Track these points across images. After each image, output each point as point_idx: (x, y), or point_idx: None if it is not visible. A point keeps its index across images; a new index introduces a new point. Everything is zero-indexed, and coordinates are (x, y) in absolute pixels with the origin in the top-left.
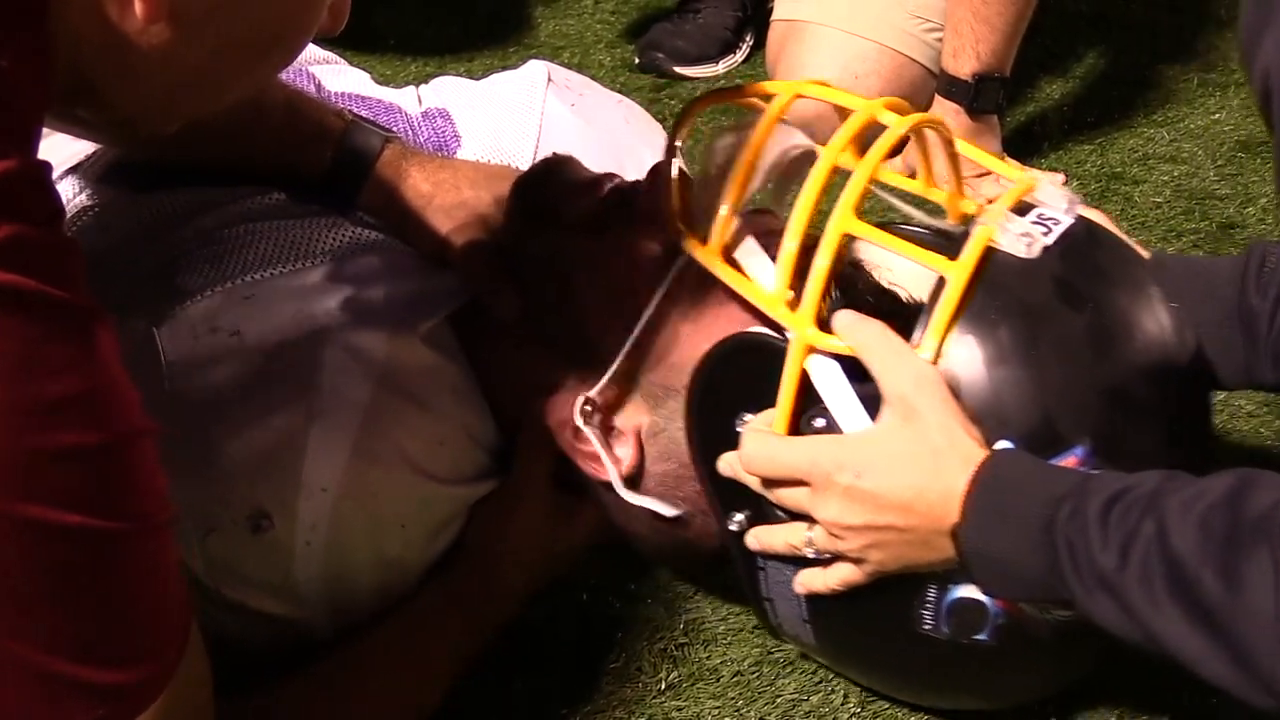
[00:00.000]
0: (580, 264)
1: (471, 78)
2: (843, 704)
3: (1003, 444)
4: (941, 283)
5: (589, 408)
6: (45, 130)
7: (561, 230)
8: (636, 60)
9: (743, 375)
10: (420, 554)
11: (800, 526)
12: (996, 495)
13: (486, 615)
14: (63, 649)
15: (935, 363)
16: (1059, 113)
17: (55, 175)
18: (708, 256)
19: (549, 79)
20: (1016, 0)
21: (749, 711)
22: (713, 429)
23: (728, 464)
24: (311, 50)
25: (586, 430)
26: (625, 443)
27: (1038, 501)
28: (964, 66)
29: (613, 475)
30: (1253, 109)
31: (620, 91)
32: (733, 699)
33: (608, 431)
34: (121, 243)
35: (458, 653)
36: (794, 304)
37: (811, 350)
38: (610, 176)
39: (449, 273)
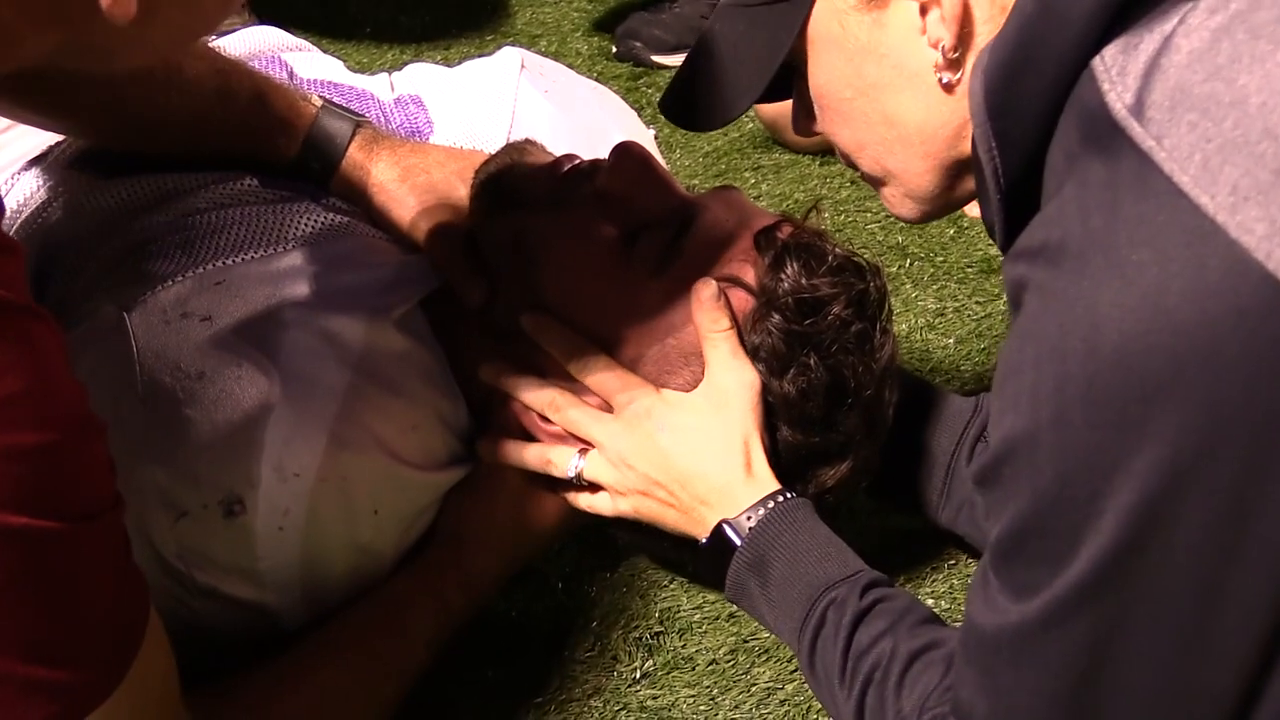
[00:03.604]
0: (540, 243)
1: (447, 66)
2: None
3: None
4: None
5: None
6: (7, 123)
7: (522, 211)
8: (614, 49)
9: None
10: (393, 541)
11: (569, 450)
12: (781, 538)
13: (459, 602)
14: (12, 649)
15: None
16: None
17: (18, 168)
18: None
19: (522, 65)
20: None
21: (724, 700)
22: None
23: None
24: (284, 38)
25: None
26: None
27: (815, 576)
28: None
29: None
30: None
31: (597, 80)
32: (708, 687)
33: None
34: (92, 229)
35: (429, 640)
36: None
37: None
38: (570, 157)
39: (421, 258)
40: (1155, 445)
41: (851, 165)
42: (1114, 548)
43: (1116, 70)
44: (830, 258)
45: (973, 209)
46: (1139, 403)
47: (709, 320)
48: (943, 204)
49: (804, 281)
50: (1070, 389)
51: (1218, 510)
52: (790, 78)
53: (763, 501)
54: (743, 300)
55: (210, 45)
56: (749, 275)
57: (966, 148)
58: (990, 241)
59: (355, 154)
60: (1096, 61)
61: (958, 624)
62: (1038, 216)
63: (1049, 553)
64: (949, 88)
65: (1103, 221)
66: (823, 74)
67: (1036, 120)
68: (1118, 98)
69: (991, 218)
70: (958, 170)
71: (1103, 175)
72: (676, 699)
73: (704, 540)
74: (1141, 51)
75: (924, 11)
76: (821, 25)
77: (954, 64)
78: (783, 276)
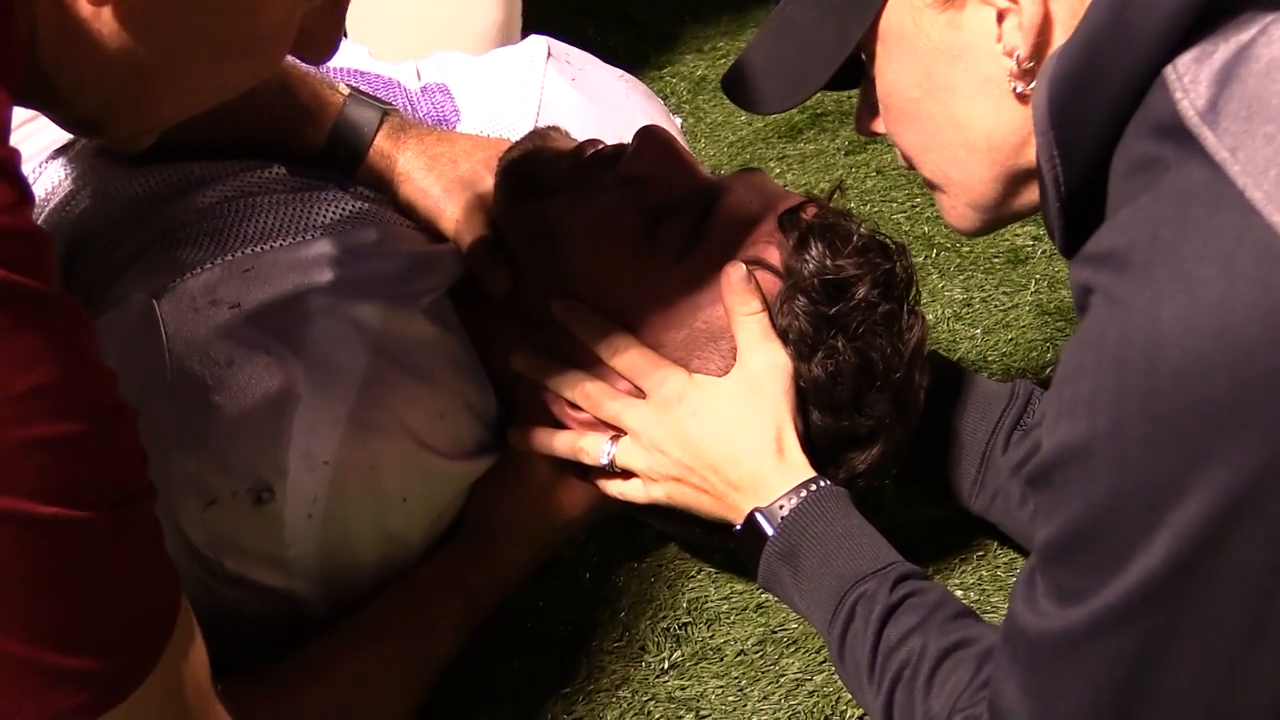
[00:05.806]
0: (563, 229)
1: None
2: None
3: None
4: None
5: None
6: (33, 113)
7: (545, 197)
8: None
9: None
10: (422, 530)
11: (601, 437)
12: (813, 528)
13: (486, 591)
14: (42, 638)
15: None
16: None
17: (45, 157)
18: None
19: (549, 53)
20: None
21: (752, 691)
22: None
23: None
24: None
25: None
26: None
27: (845, 569)
28: None
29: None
30: None
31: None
32: (736, 678)
33: None
34: (120, 216)
35: (457, 630)
36: None
37: None
38: (594, 142)
39: (447, 246)
40: (1214, 466)
41: (912, 168)
42: (1166, 564)
43: (1190, 78)
44: (855, 238)
45: None
46: (1199, 422)
47: (739, 303)
48: (1000, 215)
49: (829, 263)
50: (1129, 402)
51: (1273, 533)
52: (857, 70)
53: (796, 490)
54: (770, 282)
55: None
56: (774, 257)
57: (1033, 157)
58: (1017, 232)
59: (382, 143)
60: (1169, 70)
61: (988, 615)
62: (1109, 222)
63: (1098, 563)
64: (1022, 97)
65: (1170, 232)
66: (891, 71)
67: (1100, 130)
68: (1190, 104)
69: (1052, 222)
70: (1020, 180)
71: (1174, 184)
72: (704, 690)
73: (738, 527)
74: (1215, 59)
75: (1001, 18)
76: (894, 20)
77: (1028, 74)
78: (808, 258)
